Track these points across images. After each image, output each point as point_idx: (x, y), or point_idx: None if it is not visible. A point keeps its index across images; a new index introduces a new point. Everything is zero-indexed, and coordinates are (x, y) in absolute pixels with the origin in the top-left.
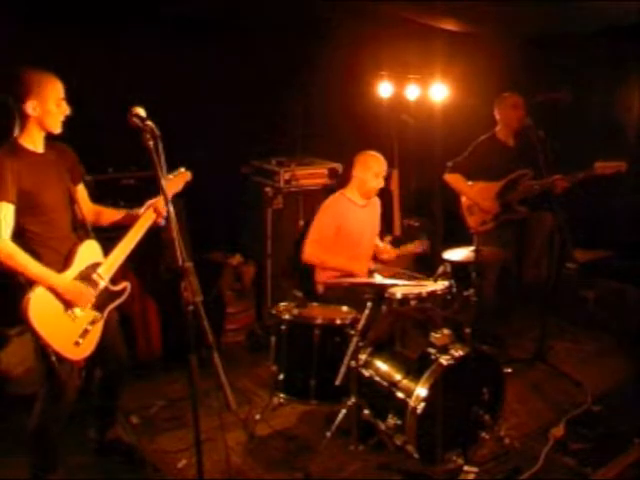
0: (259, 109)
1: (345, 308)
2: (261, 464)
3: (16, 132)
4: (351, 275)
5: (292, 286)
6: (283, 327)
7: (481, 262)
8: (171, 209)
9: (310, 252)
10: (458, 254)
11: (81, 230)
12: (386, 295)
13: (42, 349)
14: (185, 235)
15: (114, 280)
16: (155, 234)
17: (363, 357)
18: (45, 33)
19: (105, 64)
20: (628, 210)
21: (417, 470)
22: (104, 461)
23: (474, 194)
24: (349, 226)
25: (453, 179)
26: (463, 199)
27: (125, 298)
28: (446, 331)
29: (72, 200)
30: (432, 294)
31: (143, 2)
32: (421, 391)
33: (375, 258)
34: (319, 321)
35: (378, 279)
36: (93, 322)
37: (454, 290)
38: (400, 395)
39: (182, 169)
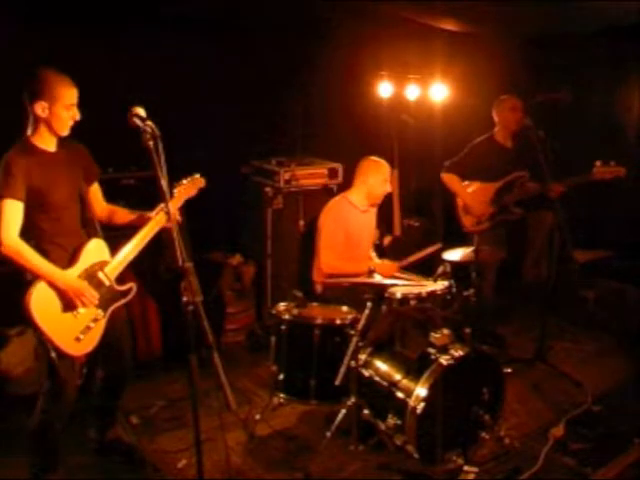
0: (259, 109)
1: (345, 308)
2: (261, 464)
3: (29, 131)
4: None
5: (292, 286)
6: (283, 327)
7: (480, 262)
8: (171, 209)
9: (327, 263)
10: (458, 254)
11: (90, 228)
12: (386, 295)
13: (43, 345)
14: (185, 235)
15: (120, 280)
16: (156, 234)
17: (363, 357)
18: (45, 33)
19: (105, 64)
20: (628, 210)
21: (417, 470)
22: (104, 461)
23: (468, 196)
24: (352, 230)
25: (448, 179)
26: (458, 200)
27: (130, 298)
28: (446, 331)
29: (82, 199)
30: (432, 294)
31: (143, 2)
32: (421, 391)
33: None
34: (319, 321)
35: (378, 279)
36: (95, 319)
37: (454, 290)
38: (400, 395)
39: (197, 175)
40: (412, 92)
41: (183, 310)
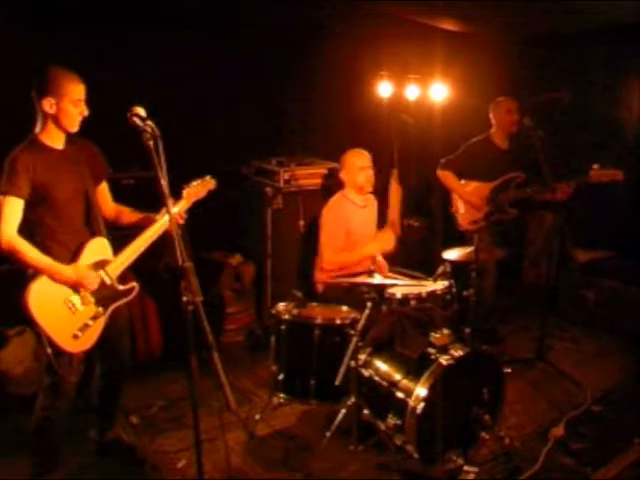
0: (259, 109)
1: (345, 308)
2: (261, 464)
3: (37, 128)
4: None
5: (292, 286)
6: (283, 327)
7: (480, 262)
8: (171, 209)
9: (329, 260)
10: (458, 254)
11: (95, 227)
12: (386, 295)
13: (40, 342)
14: (185, 235)
15: (122, 279)
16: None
17: (363, 357)
18: (45, 33)
19: (105, 64)
20: (628, 210)
21: (417, 470)
22: (104, 461)
23: (464, 194)
24: (353, 226)
25: (444, 176)
26: (454, 198)
27: (131, 298)
28: (446, 331)
29: (88, 197)
30: (432, 294)
31: (143, 2)
32: (421, 391)
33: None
34: (319, 321)
35: (378, 279)
36: (94, 317)
37: (454, 290)
38: (400, 395)
39: (208, 177)
40: (412, 92)
41: (183, 310)
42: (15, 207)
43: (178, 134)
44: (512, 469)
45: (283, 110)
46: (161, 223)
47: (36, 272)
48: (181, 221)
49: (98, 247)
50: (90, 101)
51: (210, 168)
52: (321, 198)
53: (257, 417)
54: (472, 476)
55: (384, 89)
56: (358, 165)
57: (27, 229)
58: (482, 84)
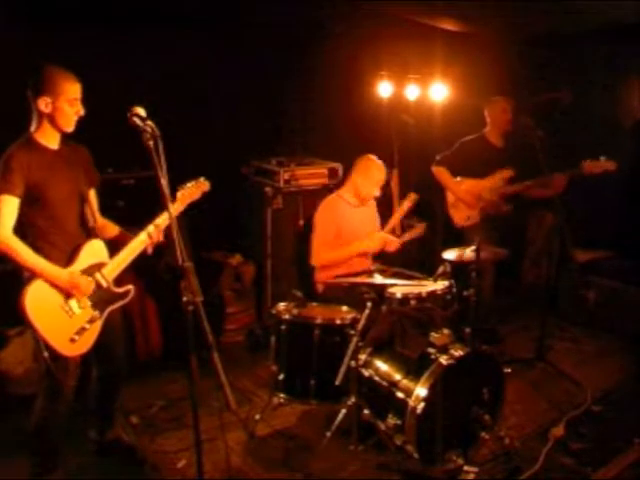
0: (259, 109)
1: (345, 308)
2: (261, 464)
3: (33, 127)
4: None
5: (292, 286)
6: (283, 327)
7: (479, 262)
8: (171, 209)
9: (318, 256)
10: (457, 254)
11: (89, 229)
12: (386, 295)
13: (37, 345)
14: (185, 235)
15: (118, 282)
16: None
17: (363, 357)
18: (45, 33)
19: (105, 64)
20: (628, 210)
21: (417, 470)
22: (104, 461)
23: (458, 190)
24: (348, 226)
25: (439, 172)
26: (448, 195)
27: (127, 301)
28: (446, 331)
29: (83, 199)
30: (432, 294)
31: (143, 2)
32: (421, 391)
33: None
34: (319, 321)
35: (378, 279)
36: (91, 321)
37: (454, 290)
38: (400, 395)
39: (202, 178)
40: (412, 92)
41: (183, 310)
42: (10, 206)
43: (178, 134)
44: (512, 469)
45: (283, 110)
46: (138, 241)
47: (31, 275)
48: (161, 238)
49: (94, 250)
50: (90, 101)
51: (210, 168)
52: (321, 198)
53: (257, 417)
54: (472, 476)
55: (384, 89)
56: (377, 178)
57: (19, 230)
58: (482, 84)
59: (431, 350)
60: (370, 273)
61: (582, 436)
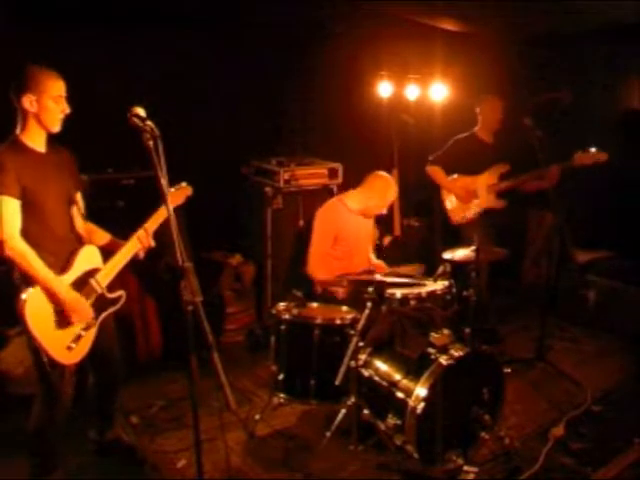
0: (259, 109)
1: (345, 308)
2: (261, 464)
3: (18, 129)
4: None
5: (292, 286)
6: (283, 327)
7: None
8: (171, 209)
9: (314, 268)
10: (457, 254)
11: (78, 235)
12: (386, 295)
13: (35, 353)
14: (185, 235)
15: (110, 287)
16: (155, 234)
17: (363, 357)
18: (45, 33)
19: (105, 64)
20: (628, 210)
21: (417, 470)
22: (104, 461)
23: (454, 188)
24: (345, 232)
25: (433, 171)
26: (443, 192)
27: (119, 307)
28: (446, 331)
29: (71, 203)
30: (432, 294)
31: (143, 2)
32: (421, 391)
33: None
34: (319, 321)
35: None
36: (87, 328)
37: (454, 290)
38: (400, 395)
39: (184, 184)
40: (412, 92)
41: (183, 310)
42: (13, 208)
43: (178, 134)
44: (512, 469)
45: (283, 110)
46: (129, 247)
47: (26, 278)
48: (152, 243)
49: (89, 255)
50: (90, 101)
51: (210, 168)
52: (321, 198)
53: (257, 417)
54: (472, 476)
55: (384, 89)
56: (391, 199)
57: None
58: (482, 84)
59: (431, 350)
60: (370, 273)
61: (582, 436)
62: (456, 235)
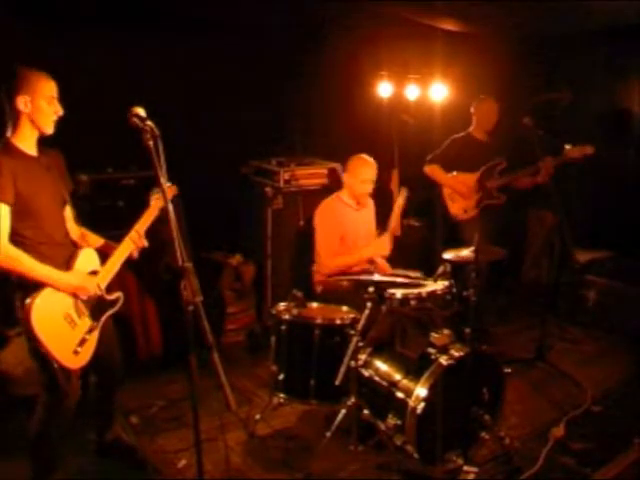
0: (259, 109)
1: (345, 308)
2: (261, 464)
3: (9, 132)
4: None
5: (292, 286)
6: (283, 327)
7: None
8: (171, 209)
9: (326, 264)
10: (457, 253)
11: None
12: (386, 295)
13: (42, 358)
14: (185, 235)
15: (108, 289)
16: (155, 234)
17: (363, 357)
18: (45, 33)
19: (105, 64)
20: (628, 210)
21: (417, 470)
22: (104, 462)
23: (455, 184)
24: (346, 228)
25: (432, 170)
26: (444, 190)
27: (118, 308)
28: (446, 331)
29: (65, 205)
30: (432, 294)
31: (144, 2)
32: (421, 391)
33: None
34: (319, 321)
35: (377, 276)
36: (90, 330)
37: (454, 290)
38: (400, 395)
39: (168, 184)
40: (412, 92)
41: (183, 310)
42: (4, 214)
43: (178, 134)
44: (512, 469)
45: (283, 110)
46: (123, 247)
47: (23, 282)
48: (145, 243)
49: (88, 258)
50: (90, 101)
51: (210, 168)
52: (321, 198)
53: (257, 417)
54: (472, 476)
55: (384, 89)
56: (362, 177)
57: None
58: (482, 84)
59: (431, 350)
60: (370, 273)
61: (582, 436)
62: (456, 235)
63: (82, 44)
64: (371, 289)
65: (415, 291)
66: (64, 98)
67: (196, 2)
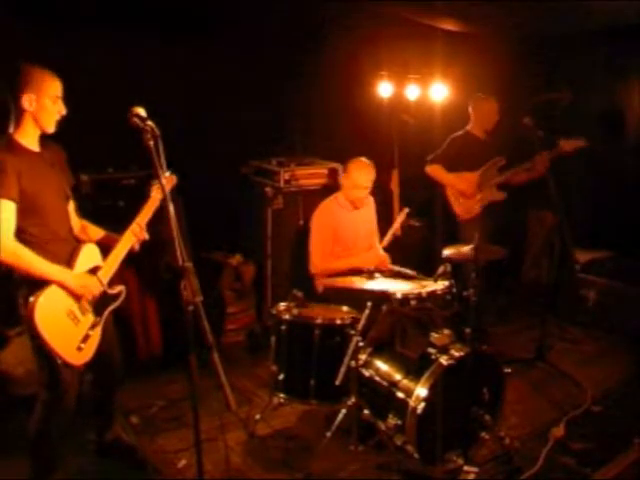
0: (259, 109)
1: (345, 308)
2: (261, 464)
3: (11, 128)
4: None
5: (292, 286)
6: (283, 327)
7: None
8: (171, 208)
9: (317, 264)
10: (457, 253)
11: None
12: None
13: (45, 355)
14: (185, 235)
15: (110, 283)
16: (156, 234)
17: (363, 357)
18: (45, 33)
19: (105, 64)
20: (628, 210)
21: (417, 470)
22: (104, 462)
23: (458, 182)
24: (343, 229)
25: (434, 170)
26: (448, 190)
27: (121, 302)
28: (446, 331)
29: (68, 200)
30: (432, 294)
31: (143, 2)
32: (421, 391)
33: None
34: (319, 321)
35: (378, 280)
36: (93, 326)
37: (454, 290)
38: (400, 395)
39: (167, 173)
40: (412, 92)
41: (183, 310)
42: (9, 211)
43: (178, 134)
44: (512, 469)
45: (283, 110)
46: (125, 240)
47: (26, 279)
48: (146, 236)
49: (90, 254)
50: (90, 101)
51: (210, 168)
52: (321, 198)
53: (257, 417)
54: (472, 476)
55: (384, 89)
56: (356, 181)
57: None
58: (482, 84)
59: (431, 350)
60: (370, 273)
61: (582, 436)
62: (456, 235)
63: (82, 44)
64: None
65: (415, 291)
66: (64, 98)
67: (196, 2)
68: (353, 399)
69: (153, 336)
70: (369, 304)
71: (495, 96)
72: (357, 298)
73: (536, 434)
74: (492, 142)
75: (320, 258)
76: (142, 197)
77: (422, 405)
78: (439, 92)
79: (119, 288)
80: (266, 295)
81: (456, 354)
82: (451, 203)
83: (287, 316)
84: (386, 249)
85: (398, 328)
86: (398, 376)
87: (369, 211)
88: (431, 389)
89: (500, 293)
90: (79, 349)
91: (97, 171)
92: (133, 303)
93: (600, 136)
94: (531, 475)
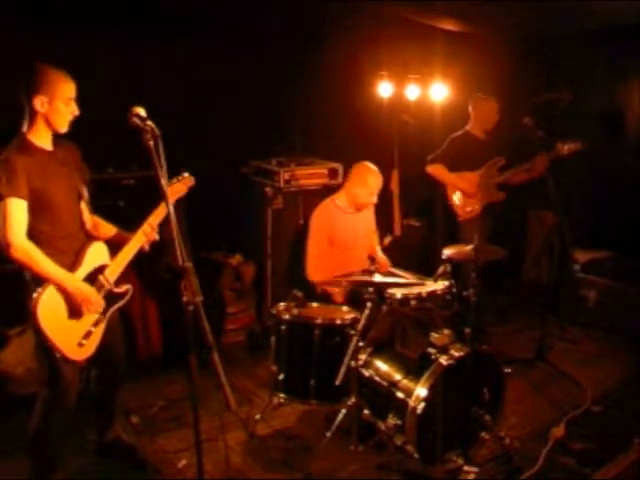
0: (259, 109)
1: (345, 308)
2: (261, 464)
3: (24, 128)
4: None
5: (292, 286)
6: (283, 327)
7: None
8: (171, 209)
9: (313, 272)
10: (456, 251)
11: (85, 230)
12: (386, 295)
13: (47, 351)
14: (185, 235)
15: (117, 282)
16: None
17: (363, 357)
18: (45, 33)
19: (105, 64)
20: (628, 210)
21: (417, 470)
22: (104, 462)
23: (459, 182)
24: (340, 233)
25: (435, 169)
26: (449, 189)
27: (126, 302)
28: (446, 331)
29: (80, 199)
30: (432, 294)
31: (143, 2)
32: (421, 391)
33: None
34: (319, 321)
35: (377, 278)
36: (96, 323)
37: (454, 290)
38: (400, 395)
39: (186, 174)
40: (412, 92)
41: (183, 310)
42: (20, 210)
43: (178, 134)
44: (512, 469)
45: (283, 110)
46: (135, 240)
47: (36, 277)
48: (156, 236)
49: (97, 252)
50: (90, 101)
51: (211, 168)
52: (321, 198)
53: (257, 417)
54: (472, 476)
55: (384, 89)
56: (372, 188)
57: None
58: (482, 84)
59: (431, 350)
60: (370, 273)
61: (582, 436)
62: (456, 235)
63: (82, 44)
64: (371, 289)
65: (415, 291)
66: None
67: (196, 2)
68: (353, 399)
69: (153, 336)
70: (369, 304)
71: (495, 96)
72: (357, 298)
73: (536, 434)
74: (492, 142)
75: (313, 267)
76: (142, 197)
77: (422, 405)
78: (439, 92)
79: (126, 287)
80: (266, 295)
81: (456, 354)
82: (452, 202)
83: (287, 316)
84: (386, 249)
85: (398, 328)
86: (398, 376)
87: (368, 212)
88: (431, 389)
89: (500, 293)
90: (80, 345)
91: (97, 171)
92: (133, 303)
93: (600, 136)
94: (531, 475)
